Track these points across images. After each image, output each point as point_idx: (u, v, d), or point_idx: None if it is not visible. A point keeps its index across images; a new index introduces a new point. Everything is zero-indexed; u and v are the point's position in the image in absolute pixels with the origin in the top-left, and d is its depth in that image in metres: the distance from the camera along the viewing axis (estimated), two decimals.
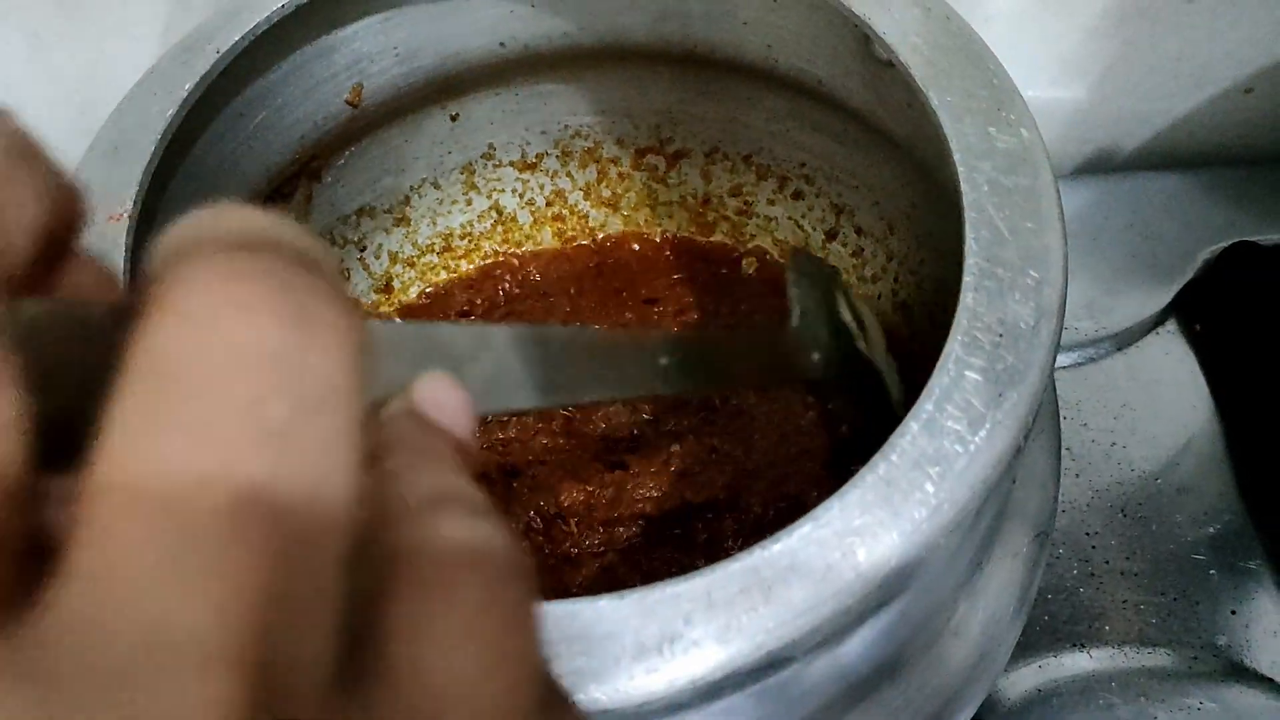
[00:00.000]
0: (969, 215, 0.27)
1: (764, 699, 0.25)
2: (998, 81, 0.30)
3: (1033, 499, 0.32)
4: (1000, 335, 0.25)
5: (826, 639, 0.23)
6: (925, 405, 0.24)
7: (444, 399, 0.15)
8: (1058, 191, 0.28)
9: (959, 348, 0.25)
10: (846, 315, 0.35)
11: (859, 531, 0.23)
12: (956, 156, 0.28)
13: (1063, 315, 0.26)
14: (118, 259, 0.28)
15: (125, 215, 0.29)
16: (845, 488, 0.23)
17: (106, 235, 0.29)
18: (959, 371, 0.25)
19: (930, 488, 0.23)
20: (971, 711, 0.32)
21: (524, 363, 0.20)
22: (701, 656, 0.22)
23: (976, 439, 0.24)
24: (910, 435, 0.24)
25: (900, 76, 0.31)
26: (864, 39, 0.33)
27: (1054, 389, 0.35)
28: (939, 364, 0.25)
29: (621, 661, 0.22)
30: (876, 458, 0.24)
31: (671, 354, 0.27)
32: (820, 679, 0.26)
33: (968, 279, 0.26)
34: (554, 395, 0.22)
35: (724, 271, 0.46)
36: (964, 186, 0.27)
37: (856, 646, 0.25)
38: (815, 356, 0.33)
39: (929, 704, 0.30)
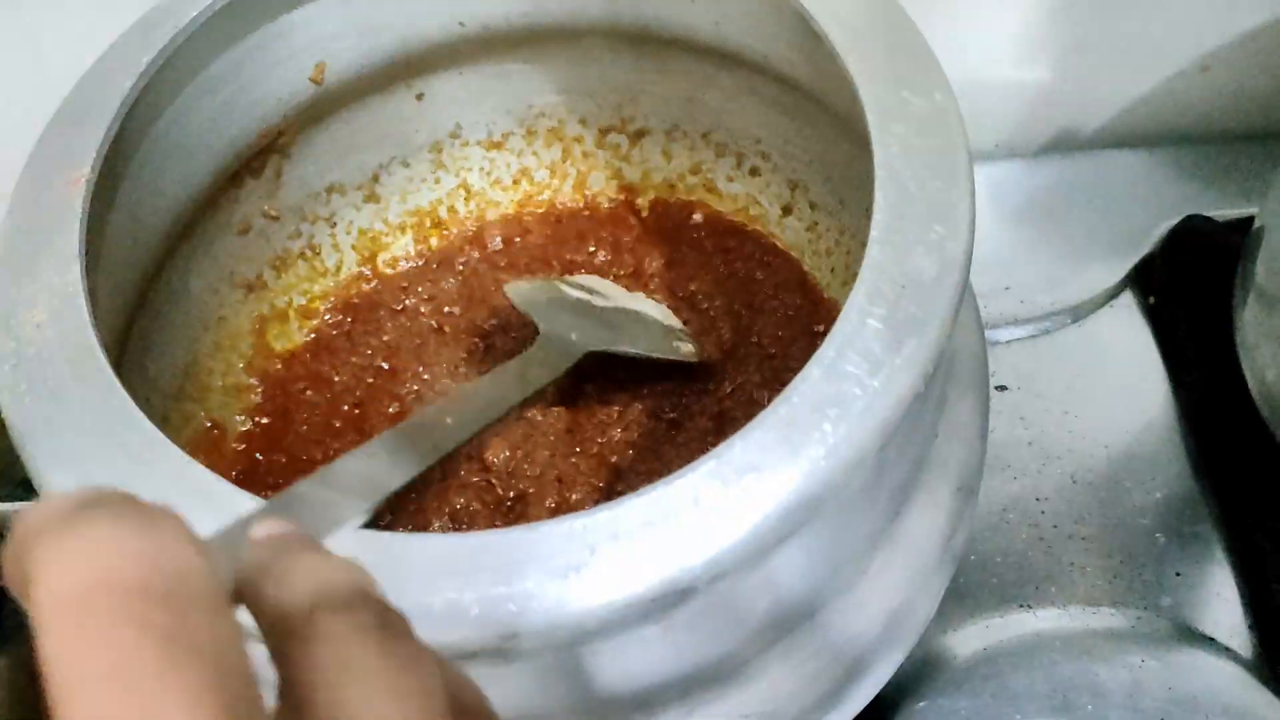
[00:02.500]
0: (879, 174, 0.28)
1: (675, 631, 0.26)
2: (915, 50, 0.31)
3: (956, 454, 0.33)
4: (903, 286, 0.27)
5: (726, 571, 0.24)
6: (827, 351, 0.26)
7: (275, 528, 0.19)
8: (969, 152, 0.29)
9: (862, 298, 0.26)
10: (574, 292, 0.42)
11: (758, 468, 0.24)
12: (870, 118, 0.29)
13: (968, 268, 0.27)
14: (74, 221, 0.29)
15: (83, 180, 0.30)
16: (747, 427, 0.25)
17: (65, 199, 0.30)
18: (861, 320, 0.26)
19: (828, 428, 0.25)
20: (897, 660, 0.33)
21: (392, 454, 0.27)
22: (604, 585, 0.23)
23: (874, 383, 0.25)
24: (811, 380, 0.25)
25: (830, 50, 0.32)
26: (799, 14, 0.34)
27: (985, 351, 0.36)
28: (842, 313, 0.26)
29: (530, 587, 0.23)
30: (778, 400, 0.25)
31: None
32: (732, 615, 0.27)
33: (874, 233, 0.27)
34: (429, 458, 0.28)
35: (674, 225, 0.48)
36: (875, 147, 0.29)
37: (764, 582, 0.27)
38: (573, 337, 0.40)
39: (850, 648, 0.31)
